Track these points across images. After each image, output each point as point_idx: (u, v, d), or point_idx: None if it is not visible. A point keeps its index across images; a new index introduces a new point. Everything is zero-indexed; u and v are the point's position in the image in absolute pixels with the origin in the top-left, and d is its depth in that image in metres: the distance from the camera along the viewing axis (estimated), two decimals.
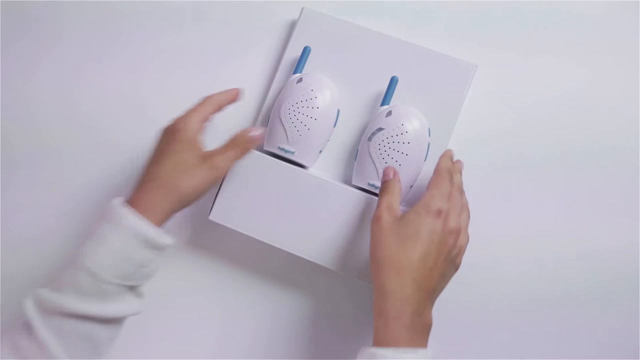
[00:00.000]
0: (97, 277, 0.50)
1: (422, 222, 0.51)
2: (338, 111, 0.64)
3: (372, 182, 0.61)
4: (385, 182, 0.57)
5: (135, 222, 0.52)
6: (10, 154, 0.71)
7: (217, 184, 0.57)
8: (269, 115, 0.66)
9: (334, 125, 0.64)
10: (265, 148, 0.64)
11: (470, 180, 0.62)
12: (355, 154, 0.63)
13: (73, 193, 0.70)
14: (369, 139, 0.61)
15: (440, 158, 0.58)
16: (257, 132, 0.58)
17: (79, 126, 0.71)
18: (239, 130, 0.58)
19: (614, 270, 0.63)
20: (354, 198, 0.60)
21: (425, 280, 0.50)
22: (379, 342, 0.49)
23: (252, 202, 0.61)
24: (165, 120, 0.59)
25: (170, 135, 0.56)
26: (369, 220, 0.58)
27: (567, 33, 0.68)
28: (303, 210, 0.61)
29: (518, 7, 0.68)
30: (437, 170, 0.56)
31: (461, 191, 0.58)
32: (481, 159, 0.66)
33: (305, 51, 0.65)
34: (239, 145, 0.58)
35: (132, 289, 0.53)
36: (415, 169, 0.61)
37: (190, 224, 0.69)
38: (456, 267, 0.55)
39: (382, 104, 0.62)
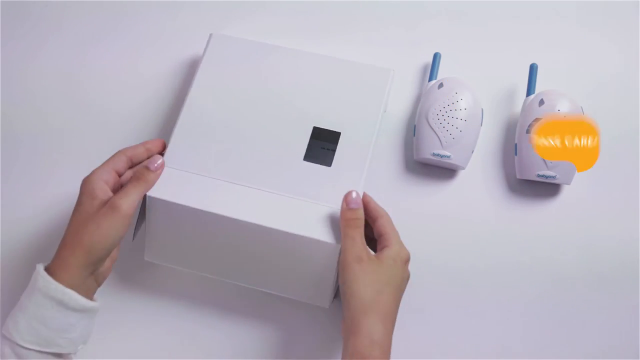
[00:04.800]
0: (14, 345, 0.49)
1: (399, 272, 0.53)
2: (482, 110, 0.65)
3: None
4: (354, 211, 0.54)
5: (45, 283, 0.50)
6: (11, 136, 0.70)
7: (127, 226, 0.52)
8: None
9: (481, 124, 0.65)
10: (416, 158, 0.65)
11: (470, 176, 0.64)
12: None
13: (74, 175, 0.69)
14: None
15: (375, 207, 0.57)
16: (156, 162, 0.55)
17: (81, 108, 0.70)
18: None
19: (615, 267, 0.63)
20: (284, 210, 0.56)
21: (394, 321, 0.53)
22: None
23: (185, 237, 0.58)
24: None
25: (79, 195, 0.54)
26: (302, 243, 0.55)
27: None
28: (236, 242, 0.57)
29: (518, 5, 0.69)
30: (384, 215, 0.56)
31: None
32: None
33: (436, 57, 0.67)
34: (137, 177, 0.54)
35: (59, 356, 0.51)
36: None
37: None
38: None
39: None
